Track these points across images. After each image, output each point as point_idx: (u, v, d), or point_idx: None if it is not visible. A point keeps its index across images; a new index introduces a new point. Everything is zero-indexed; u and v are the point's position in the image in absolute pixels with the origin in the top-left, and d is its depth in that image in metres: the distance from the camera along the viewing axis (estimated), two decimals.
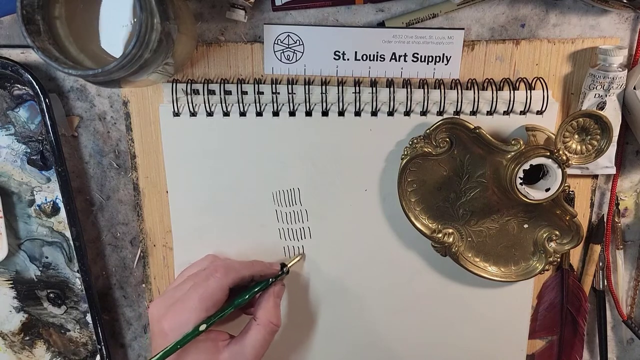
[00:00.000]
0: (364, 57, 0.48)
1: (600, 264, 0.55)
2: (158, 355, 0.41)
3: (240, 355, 0.44)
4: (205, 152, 0.50)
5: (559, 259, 0.51)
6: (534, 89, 0.48)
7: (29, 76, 0.47)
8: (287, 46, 0.48)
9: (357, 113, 0.49)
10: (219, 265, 0.47)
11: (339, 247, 0.53)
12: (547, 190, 0.45)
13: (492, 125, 0.49)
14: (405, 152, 0.48)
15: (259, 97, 0.49)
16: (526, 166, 0.44)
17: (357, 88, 0.48)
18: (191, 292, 0.44)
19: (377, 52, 0.48)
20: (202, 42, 0.48)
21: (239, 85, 0.48)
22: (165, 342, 0.42)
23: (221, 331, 0.46)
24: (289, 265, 0.51)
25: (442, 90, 0.48)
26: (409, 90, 0.48)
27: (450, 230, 0.50)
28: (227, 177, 0.51)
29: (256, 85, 0.48)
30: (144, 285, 0.56)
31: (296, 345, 0.56)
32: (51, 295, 0.56)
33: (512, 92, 0.48)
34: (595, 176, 0.53)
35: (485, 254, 0.52)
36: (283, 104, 0.49)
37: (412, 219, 0.50)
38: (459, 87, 0.48)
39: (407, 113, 0.49)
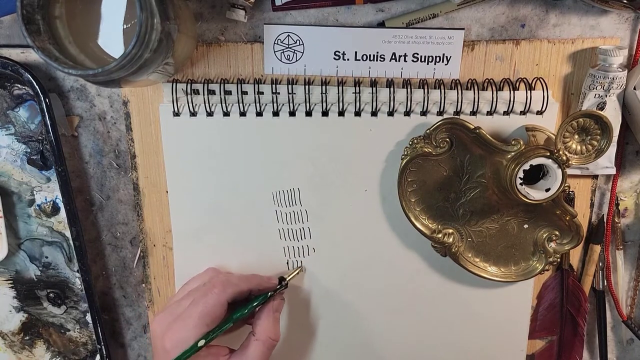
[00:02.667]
0: (364, 57, 0.48)
1: (600, 264, 0.55)
2: None
3: None
4: (205, 152, 0.50)
5: (558, 259, 0.51)
6: (534, 89, 0.48)
7: (29, 76, 0.47)
8: (287, 46, 0.48)
9: (357, 113, 0.49)
10: (217, 280, 0.47)
11: (339, 247, 0.53)
12: (547, 190, 0.45)
13: (492, 126, 0.49)
14: (405, 152, 0.48)
15: (259, 97, 0.49)
16: (526, 166, 0.44)
17: (357, 88, 0.48)
18: (191, 309, 0.44)
19: (377, 52, 0.48)
20: (202, 42, 0.48)
21: (239, 85, 0.48)
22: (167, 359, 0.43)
23: (222, 346, 0.46)
24: (287, 279, 0.51)
25: (442, 91, 0.48)
26: (409, 90, 0.48)
27: (450, 231, 0.50)
28: (227, 177, 0.51)
29: (256, 85, 0.48)
30: (143, 285, 0.56)
31: (296, 345, 0.56)
32: (51, 295, 0.56)
33: (512, 92, 0.48)
34: (595, 176, 0.53)
35: (485, 254, 0.52)
36: (283, 104, 0.49)
37: (412, 219, 0.50)
38: (459, 87, 0.48)
39: (407, 113, 0.49)
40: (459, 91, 0.48)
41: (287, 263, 0.54)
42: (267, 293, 0.48)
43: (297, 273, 0.53)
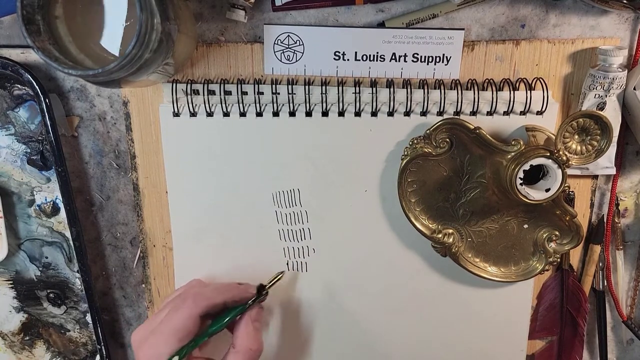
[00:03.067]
0: (364, 58, 0.48)
1: (600, 264, 0.55)
2: None
3: None
4: (205, 153, 0.50)
5: (558, 259, 0.51)
6: (534, 90, 0.48)
7: (29, 76, 0.47)
8: (287, 46, 0.48)
9: (357, 113, 0.49)
10: (189, 293, 0.45)
11: (339, 247, 0.53)
12: (547, 190, 0.45)
13: (492, 126, 0.49)
14: (406, 153, 0.48)
15: (259, 97, 0.49)
16: (526, 166, 0.44)
17: (357, 88, 0.48)
18: (163, 323, 0.43)
19: (377, 53, 0.48)
20: (202, 42, 0.48)
21: (239, 86, 0.48)
22: None
23: (202, 358, 0.45)
24: (267, 287, 0.48)
25: (442, 91, 0.48)
26: (409, 90, 0.48)
27: (450, 231, 0.50)
28: (227, 178, 0.51)
29: (256, 86, 0.48)
30: (143, 285, 0.56)
31: (295, 345, 0.56)
32: (51, 295, 0.56)
33: (512, 92, 0.48)
34: (595, 176, 0.53)
35: (485, 254, 0.52)
36: (283, 105, 0.49)
37: (412, 220, 0.50)
38: (459, 88, 0.48)
39: (407, 113, 0.49)
40: (459, 91, 0.48)
41: (287, 264, 0.54)
42: (245, 304, 0.46)
43: (279, 279, 0.50)
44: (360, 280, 0.54)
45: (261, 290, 0.48)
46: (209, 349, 0.47)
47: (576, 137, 0.46)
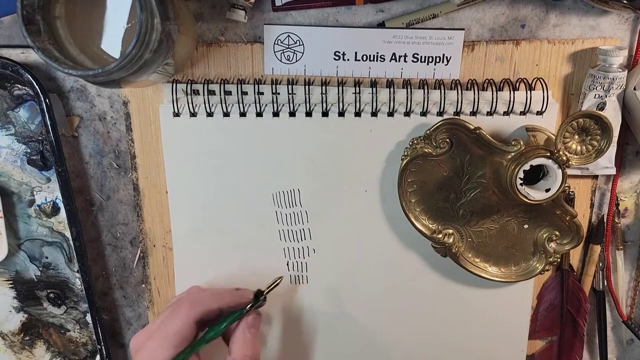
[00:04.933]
0: (364, 58, 0.48)
1: (600, 264, 0.55)
2: None
3: None
4: (205, 153, 0.50)
5: (559, 260, 0.51)
6: (534, 90, 0.48)
7: (29, 76, 0.47)
8: (287, 46, 0.48)
9: (357, 113, 0.49)
10: (185, 299, 0.45)
11: (339, 248, 0.53)
12: (547, 190, 0.45)
13: (492, 126, 0.49)
14: (406, 153, 0.48)
15: (259, 97, 0.49)
16: (526, 167, 0.44)
17: (357, 88, 0.48)
18: (160, 329, 0.43)
19: (377, 53, 0.48)
20: (202, 43, 0.48)
21: (239, 86, 0.48)
22: None
23: None
24: (265, 292, 0.47)
25: (442, 91, 0.48)
26: (409, 90, 0.48)
27: (451, 231, 0.50)
28: (227, 178, 0.51)
29: (256, 86, 0.48)
30: (143, 285, 0.56)
31: (296, 346, 0.56)
32: (51, 295, 0.56)
33: (512, 92, 0.48)
34: (595, 177, 0.53)
35: (485, 254, 0.52)
36: (283, 105, 0.49)
37: (412, 220, 0.50)
38: (459, 88, 0.48)
39: (407, 114, 0.49)
40: (459, 91, 0.48)
41: (287, 264, 0.54)
42: (242, 309, 0.46)
43: (277, 285, 0.48)
44: (360, 281, 0.54)
45: (259, 295, 0.47)
46: (207, 357, 0.46)
47: (576, 137, 0.46)
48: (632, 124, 0.49)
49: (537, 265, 0.51)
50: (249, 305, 0.46)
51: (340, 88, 0.48)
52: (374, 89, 0.48)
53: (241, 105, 0.49)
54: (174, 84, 0.48)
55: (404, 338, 0.56)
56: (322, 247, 0.53)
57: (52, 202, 0.53)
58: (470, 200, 0.50)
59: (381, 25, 0.48)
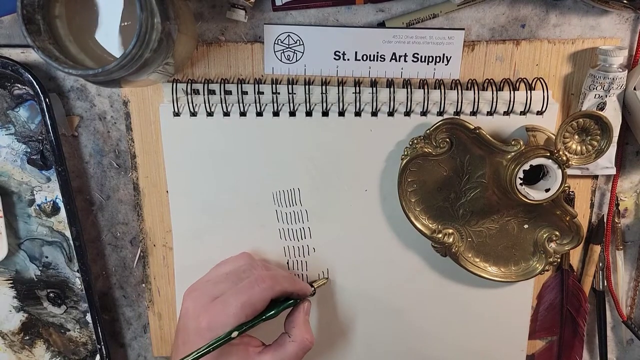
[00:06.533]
0: (364, 57, 0.48)
1: (600, 264, 0.55)
2: (192, 356, 0.41)
3: None
4: (206, 152, 0.50)
5: (559, 260, 0.51)
6: (534, 90, 0.48)
7: (29, 76, 0.47)
8: (287, 46, 0.48)
9: (358, 113, 0.49)
10: (266, 275, 0.46)
11: (339, 247, 0.53)
12: (547, 190, 0.45)
13: (492, 126, 0.49)
14: (406, 153, 0.48)
15: (259, 97, 0.49)
16: (526, 166, 0.44)
17: (358, 88, 0.48)
18: (233, 296, 0.43)
19: (377, 52, 0.48)
20: (202, 42, 0.48)
21: (239, 85, 0.48)
22: (201, 341, 0.42)
23: (254, 337, 0.46)
24: (315, 287, 0.51)
25: (442, 91, 0.48)
26: (409, 90, 0.48)
27: (451, 231, 0.50)
28: (227, 177, 0.51)
29: (256, 85, 0.48)
30: (143, 285, 0.56)
31: None
32: (51, 295, 0.56)
33: (512, 92, 0.48)
34: (595, 177, 0.53)
35: (485, 254, 0.52)
36: (283, 104, 0.49)
37: (412, 219, 0.50)
38: (459, 88, 0.48)
39: (407, 113, 0.49)
40: (459, 91, 0.48)
41: (288, 263, 0.54)
42: (297, 298, 0.48)
43: (325, 283, 0.53)
44: (360, 280, 0.54)
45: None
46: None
47: (576, 137, 0.46)
48: (632, 124, 0.49)
49: (537, 265, 0.51)
50: (309, 294, 0.49)
51: (341, 88, 0.48)
52: (374, 88, 0.48)
53: (241, 104, 0.49)
54: (174, 84, 0.48)
55: (403, 337, 0.56)
56: (322, 246, 0.53)
57: (52, 202, 0.53)
58: (470, 200, 0.50)
59: (381, 25, 0.48)
